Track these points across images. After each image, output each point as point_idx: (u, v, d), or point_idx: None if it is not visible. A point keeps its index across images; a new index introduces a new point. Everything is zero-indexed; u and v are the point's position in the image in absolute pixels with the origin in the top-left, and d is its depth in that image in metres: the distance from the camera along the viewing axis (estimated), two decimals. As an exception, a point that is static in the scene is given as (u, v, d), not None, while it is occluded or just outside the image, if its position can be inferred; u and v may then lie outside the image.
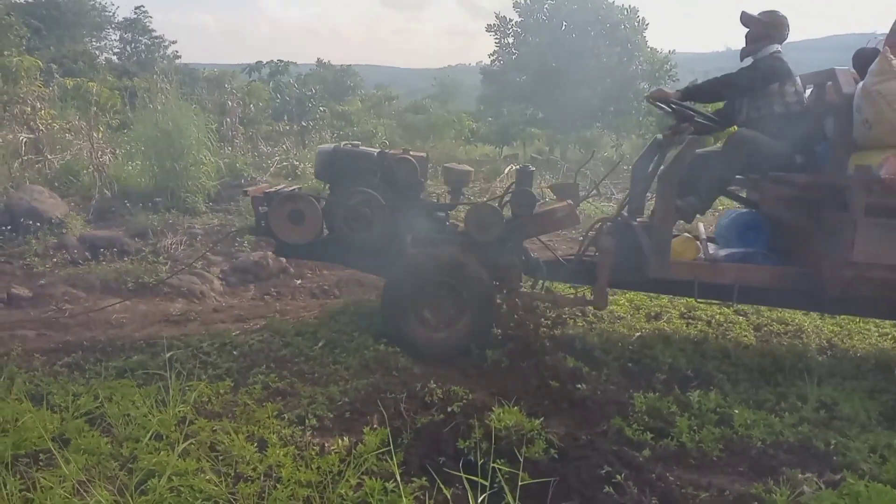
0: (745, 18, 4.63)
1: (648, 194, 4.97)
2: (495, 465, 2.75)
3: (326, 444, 3.12)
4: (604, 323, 4.98)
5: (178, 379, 3.60)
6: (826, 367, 4.32)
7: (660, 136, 4.90)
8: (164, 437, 3.07)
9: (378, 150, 4.61)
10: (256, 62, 18.13)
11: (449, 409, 3.35)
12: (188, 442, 2.95)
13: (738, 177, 4.69)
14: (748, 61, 4.63)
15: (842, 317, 5.33)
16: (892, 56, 3.86)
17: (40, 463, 2.86)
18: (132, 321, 4.73)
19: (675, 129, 4.52)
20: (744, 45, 4.67)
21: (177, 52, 50.06)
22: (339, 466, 2.90)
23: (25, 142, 9.68)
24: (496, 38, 21.66)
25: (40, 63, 13.25)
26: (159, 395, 3.42)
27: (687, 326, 5.01)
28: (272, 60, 18.02)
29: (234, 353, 4.09)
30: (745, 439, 3.32)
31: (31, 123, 10.81)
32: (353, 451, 3.02)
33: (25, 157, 9.47)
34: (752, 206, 5.01)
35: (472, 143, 22.32)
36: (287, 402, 3.54)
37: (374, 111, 22.78)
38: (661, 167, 4.59)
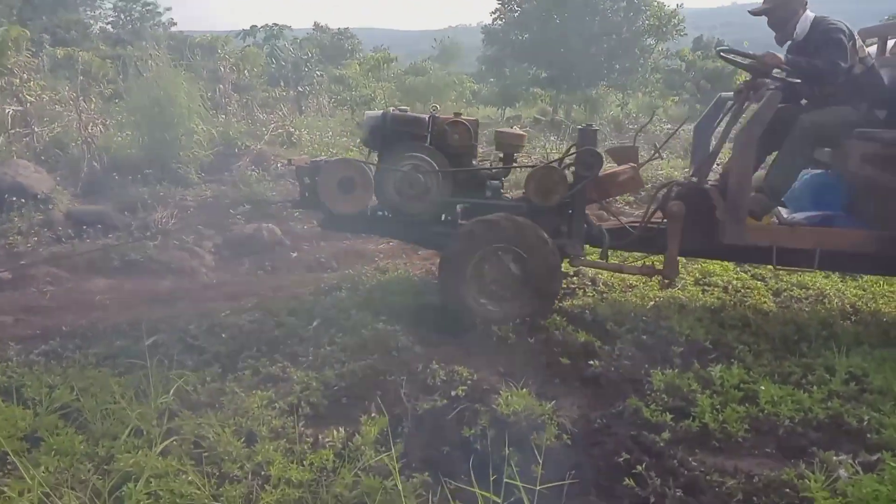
0: (757, 12, 4.30)
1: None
2: (508, 475, 2.51)
3: (320, 436, 2.89)
4: (615, 292, 4.72)
5: (161, 366, 3.37)
6: (852, 334, 4.06)
7: (724, 94, 4.60)
8: (144, 433, 2.84)
9: (429, 115, 4.36)
10: (251, 27, 17.65)
11: (453, 393, 3.11)
12: (170, 439, 2.72)
13: None
14: (790, 44, 4.33)
15: (865, 279, 5.07)
16: None
17: (8, 466, 2.63)
18: (117, 302, 4.49)
19: (751, 84, 4.19)
20: (774, 34, 4.32)
21: (172, 19, 49.15)
22: (333, 462, 2.68)
23: (12, 114, 9.35)
24: (497, -4, 21.06)
25: (28, 32, 12.79)
26: (141, 385, 3.19)
27: (703, 293, 4.75)
28: (267, 24, 17.53)
29: (224, 335, 3.85)
30: (771, 418, 3.08)
31: (20, 95, 10.49)
32: (350, 443, 2.80)
33: (12, 131, 9.16)
34: (823, 167, 4.70)
35: (474, 105, 21.87)
36: (279, 389, 3.31)
37: (373, 74, 22.27)
38: (734, 126, 4.30)
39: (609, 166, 4.63)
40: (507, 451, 2.69)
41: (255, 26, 17.53)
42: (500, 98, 21.49)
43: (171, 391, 3.10)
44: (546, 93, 22.32)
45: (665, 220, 4.25)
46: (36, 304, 4.40)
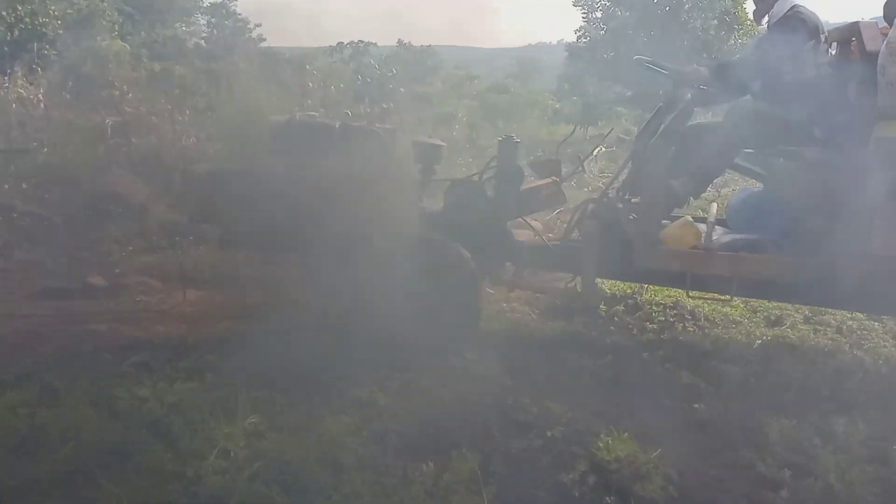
0: None
1: None
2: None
3: (409, 470, 2.76)
4: (717, 328, 4.42)
5: (249, 384, 3.32)
6: None
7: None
8: (232, 454, 2.77)
9: (339, 122, 4.15)
10: (338, 43, 18.01)
11: (548, 434, 2.92)
12: (258, 464, 2.64)
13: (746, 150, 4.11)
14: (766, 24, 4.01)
15: None
16: None
17: (100, 481, 2.60)
18: (208, 314, 4.49)
19: (671, 96, 3.90)
20: (754, 7, 4.02)
21: (261, 35, 50.66)
22: (423, 499, 2.54)
23: (112, 125, 9.73)
24: (583, 14, 20.81)
25: (128, 47, 13.43)
26: (228, 403, 3.13)
27: (814, 334, 4.39)
28: (353, 41, 17.85)
29: (311, 354, 3.76)
30: (906, 481, 2.76)
31: (119, 107, 10.93)
32: (440, 480, 2.66)
33: (112, 141, 9.52)
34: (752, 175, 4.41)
35: (556, 124, 21.64)
36: (366, 415, 3.20)
37: (455, 92, 22.35)
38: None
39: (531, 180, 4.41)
40: (608, 501, 2.50)
41: (342, 43, 17.88)
42: (582, 116, 21.17)
43: (258, 412, 3.04)
44: (629, 111, 21.88)
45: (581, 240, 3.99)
46: (129, 314, 4.46)
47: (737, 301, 4.70)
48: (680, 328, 4.37)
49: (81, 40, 18.02)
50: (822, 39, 3.88)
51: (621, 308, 4.58)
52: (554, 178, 4.23)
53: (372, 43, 18.56)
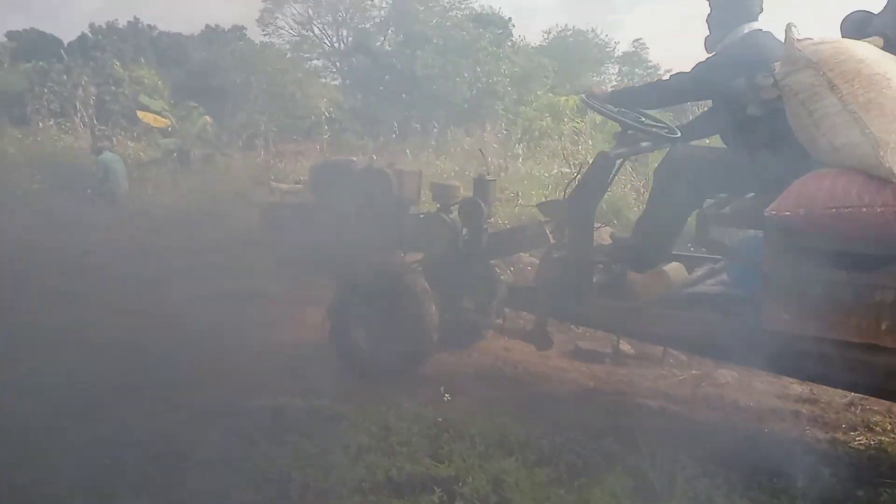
0: None
1: None
2: None
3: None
4: None
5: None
6: None
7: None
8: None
9: (365, 163, 4.69)
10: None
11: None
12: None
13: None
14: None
15: None
16: (796, 34, 2.80)
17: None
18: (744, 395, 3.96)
19: (619, 139, 3.66)
20: (706, 34, 3.62)
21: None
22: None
23: (569, 175, 10.12)
24: None
25: (576, 100, 14.27)
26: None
27: None
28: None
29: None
30: None
31: (569, 158, 11.47)
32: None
33: (567, 190, 9.85)
34: None
35: None
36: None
37: None
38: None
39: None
40: None
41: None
42: None
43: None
44: None
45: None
46: (672, 390, 4.11)
47: None
48: None
49: (523, 95, 19.75)
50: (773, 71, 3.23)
51: None
52: (542, 219, 4.27)
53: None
